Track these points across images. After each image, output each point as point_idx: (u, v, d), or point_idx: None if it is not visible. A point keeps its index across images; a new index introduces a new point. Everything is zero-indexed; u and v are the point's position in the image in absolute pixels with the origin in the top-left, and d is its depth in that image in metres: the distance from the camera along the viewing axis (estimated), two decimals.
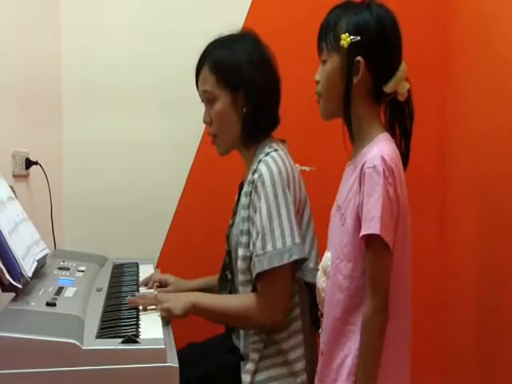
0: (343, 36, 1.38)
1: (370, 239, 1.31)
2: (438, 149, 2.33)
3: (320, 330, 1.48)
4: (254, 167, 1.68)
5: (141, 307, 1.58)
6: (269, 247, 1.59)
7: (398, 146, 1.43)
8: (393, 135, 1.44)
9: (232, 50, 1.74)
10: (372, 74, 1.39)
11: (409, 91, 1.42)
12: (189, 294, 1.73)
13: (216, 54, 1.75)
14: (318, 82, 1.46)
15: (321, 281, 1.47)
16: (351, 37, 1.37)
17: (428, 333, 2.35)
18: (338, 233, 1.41)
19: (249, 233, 1.65)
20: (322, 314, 1.47)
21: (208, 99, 1.76)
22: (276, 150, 1.69)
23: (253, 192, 1.65)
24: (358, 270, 1.35)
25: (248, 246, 1.65)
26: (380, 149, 1.35)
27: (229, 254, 1.81)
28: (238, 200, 1.82)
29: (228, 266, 1.82)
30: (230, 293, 1.83)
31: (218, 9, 2.34)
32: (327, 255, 1.46)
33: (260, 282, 1.62)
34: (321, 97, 1.46)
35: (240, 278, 1.67)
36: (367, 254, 1.33)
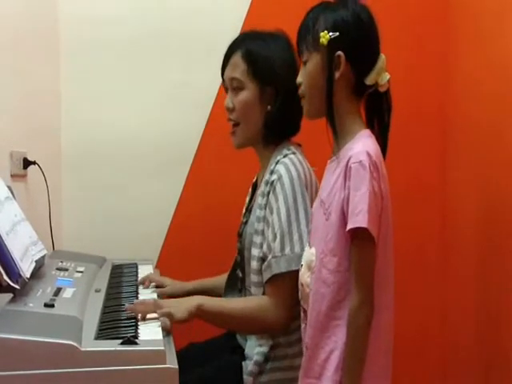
0: (322, 34, 1.40)
1: (357, 233, 1.32)
2: (439, 152, 2.32)
3: (303, 326, 1.48)
4: (272, 168, 1.66)
5: (139, 316, 1.47)
6: (287, 250, 1.58)
7: (377, 139, 1.44)
8: (372, 129, 1.45)
9: (267, 43, 1.72)
10: (353, 67, 1.41)
11: (388, 82, 1.43)
12: (192, 297, 1.64)
13: (251, 43, 1.72)
14: (300, 85, 1.48)
15: (305, 276, 1.47)
16: (330, 33, 1.40)
17: (428, 334, 2.35)
18: (322, 228, 1.41)
19: (263, 233, 1.64)
20: (305, 310, 1.47)
21: (234, 87, 1.73)
22: (294, 153, 1.68)
23: (270, 193, 1.63)
24: (343, 264, 1.36)
25: (262, 246, 1.63)
26: (365, 144, 1.37)
27: (240, 252, 1.79)
28: (251, 199, 1.81)
29: (239, 264, 1.81)
30: (240, 292, 1.81)
31: (217, 8, 2.33)
32: (311, 250, 1.46)
33: (273, 283, 1.59)
34: (304, 97, 1.48)
35: (253, 278, 1.66)
36: (353, 247, 1.34)
